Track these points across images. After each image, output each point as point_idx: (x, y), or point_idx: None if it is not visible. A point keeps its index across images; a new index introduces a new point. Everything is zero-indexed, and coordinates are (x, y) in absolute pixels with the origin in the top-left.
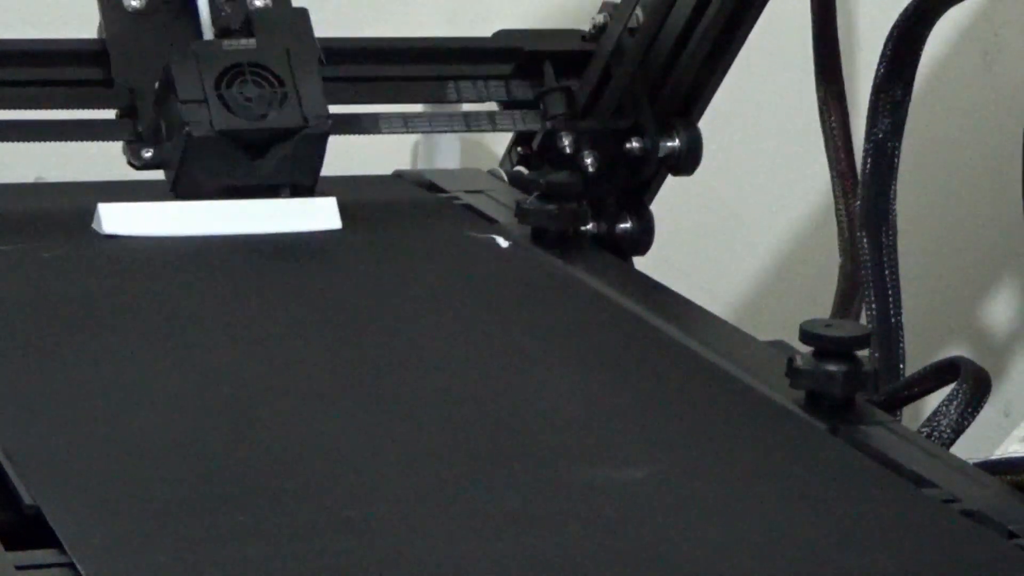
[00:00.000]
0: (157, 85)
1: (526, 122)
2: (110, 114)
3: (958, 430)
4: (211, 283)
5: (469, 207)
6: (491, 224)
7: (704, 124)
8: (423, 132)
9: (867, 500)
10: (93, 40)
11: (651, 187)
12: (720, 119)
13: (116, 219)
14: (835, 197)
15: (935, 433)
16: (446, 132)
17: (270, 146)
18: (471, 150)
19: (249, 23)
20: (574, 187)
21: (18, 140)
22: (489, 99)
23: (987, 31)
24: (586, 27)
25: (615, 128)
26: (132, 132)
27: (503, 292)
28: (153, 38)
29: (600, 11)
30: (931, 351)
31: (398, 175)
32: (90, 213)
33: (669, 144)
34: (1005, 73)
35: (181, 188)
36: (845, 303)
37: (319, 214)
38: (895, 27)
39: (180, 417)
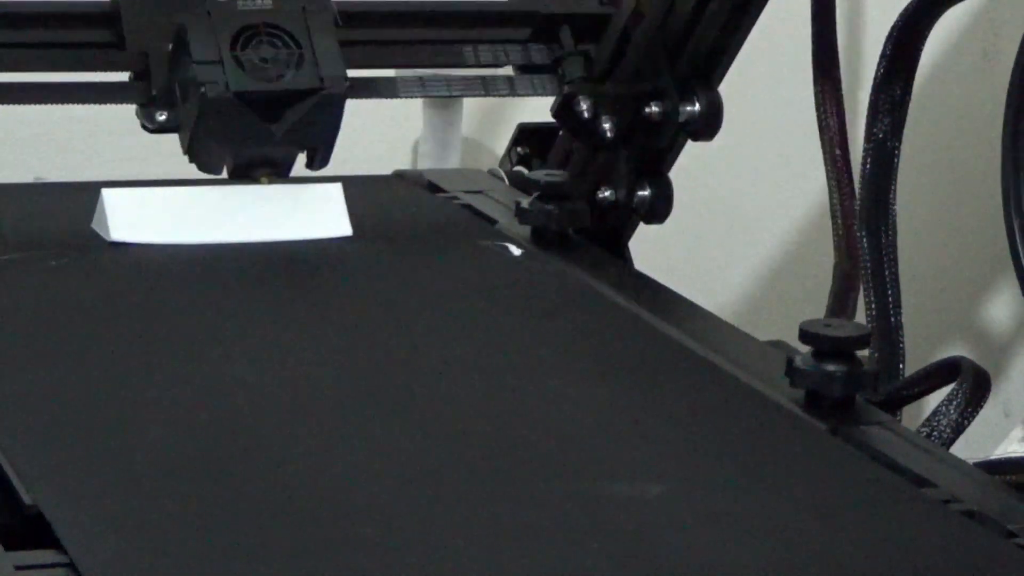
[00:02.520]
0: (170, 47)
1: (544, 87)
2: (123, 77)
3: (958, 430)
4: (220, 293)
5: (469, 207)
6: (495, 227)
7: None
8: (440, 96)
9: (867, 500)
10: (105, 2)
11: (670, 153)
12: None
13: (123, 226)
14: (830, 195)
15: (935, 433)
16: (463, 96)
17: (286, 108)
18: (471, 150)
19: None
20: (573, 187)
21: (31, 102)
22: (506, 64)
23: (987, 31)
24: None
25: (634, 93)
26: (145, 95)
27: (517, 302)
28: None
29: None
30: (931, 351)
31: (398, 175)
32: (91, 214)
33: (689, 109)
34: (1005, 73)
35: (196, 150)
36: (841, 301)
37: (330, 221)
38: (895, 27)
39: (184, 422)
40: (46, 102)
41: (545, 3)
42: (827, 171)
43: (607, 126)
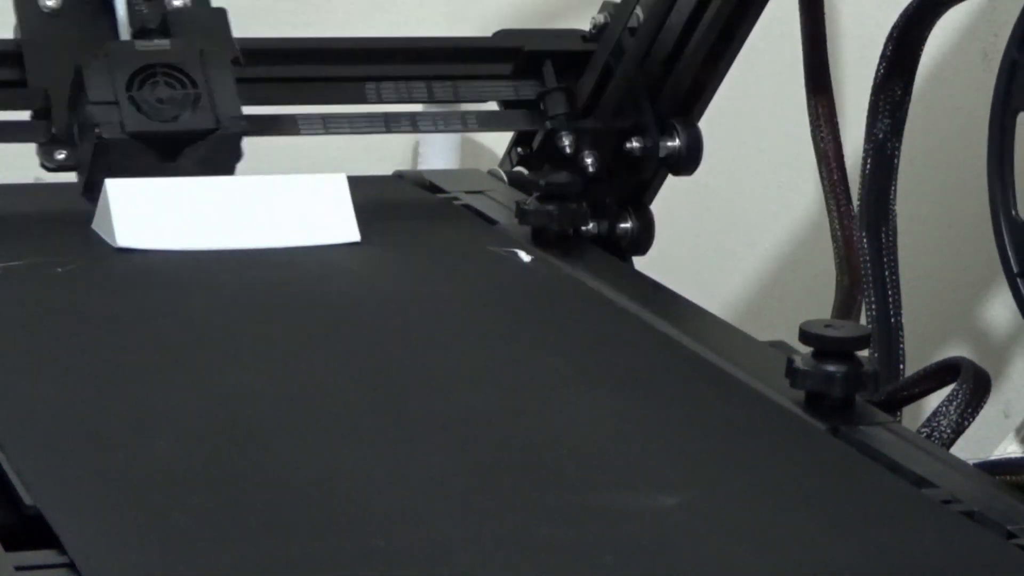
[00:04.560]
0: (70, 86)
1: (527, 122)
2: (25, 115)
3: (958, 430)
4: (226, 300)
5: (469, 207)
6: (496, 227)
7: (704, 124)
8: (343, 134)
9: (867, 500)
10: (8, 40)
11: (651, 187)
12: (720, 119)
13: (129, 230)
14: (829, 217)
15: (935, 433)
16: (365, 133)
17: (183, 147)
18: (471, 150)
19: (165, 23)
20: (574, 187)
21: None
22: (489, 99)
23: (987, 31)
24: (586, 27)
25: (615, 128)
26: (46, 134)
27: (527, 309)
28: (69, 38)
29: (600, 11)
30: (931, 351)
31: (399, 175)
32: (92, 216)
33: (670, 144)
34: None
35: (91, 191)
36: (842, 315)
37: (338, 226)
38: (895, 27)
39: (188, 427)
40: None
41: (528, 39)
42: (825, 194)
43: (589, 160)
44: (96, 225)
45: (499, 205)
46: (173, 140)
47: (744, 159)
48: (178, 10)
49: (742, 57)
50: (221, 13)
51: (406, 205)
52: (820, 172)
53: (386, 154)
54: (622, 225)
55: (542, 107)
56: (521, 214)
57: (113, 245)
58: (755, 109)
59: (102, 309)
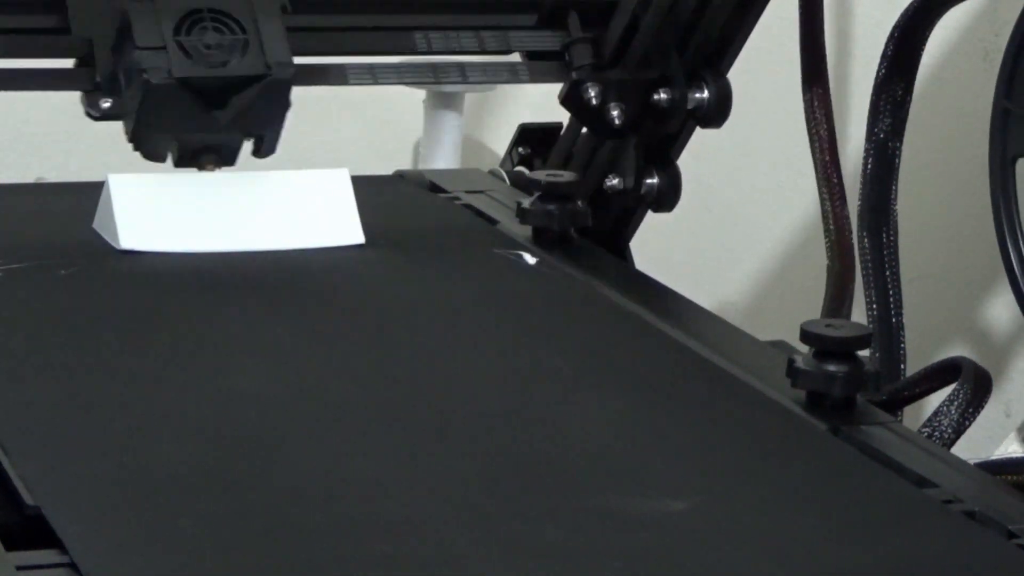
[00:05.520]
0: (115, 33)
1: (551, 74)
2: (68, 63)
3: (959, 430)
4: (230, 302)
5: (470, 207)
6: (496, 227)
7: None
8: (390, 83)
9: (868, 500)
10: None
11: (678, 141)
12: None
13: (131, 231)
14: (821, 201)
15: (936, 433)
16: (411, 84)
17: (231, 95)
18: (472, 150)
19: None
20: (574, 187)
21: None
22: (513, 50)
23: (988, 31)
24: None
25: (642, 80)
26: (90, 81)
27: (533, 312)
28: None
29: None
30: (931, 351)
31: (399, 175)
32: (92, 216)
33: (698, 95)
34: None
35: (139, 138)
36: (836, 302)
37: (343, 228)
38: (896, 27)
39: (190, 428)
40: None
41: None
42: (817, 178)
43: (615, 113)
44: (97, 225)
45: (500, 205)
46: (221, 86)
47: (745, 159)
48: None
49: (743, 57)
50: None
51: (409, 206)
52: (812, 154)
53: (387, 154)
54: (648, 180)
55: (567, 58)
56: (522, 214)
57: (115, 247)
58: (756, 109)
59: (105, 312)
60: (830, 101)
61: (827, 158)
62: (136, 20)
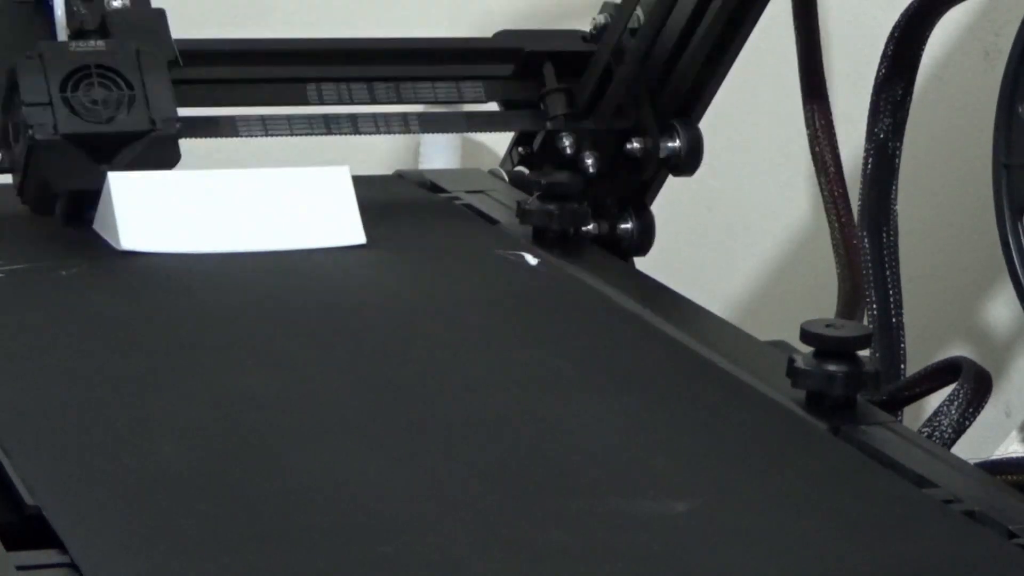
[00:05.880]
0: (3, 88)
1: (528, 123)
2: None
3: (959, 430)
4: (232, 303)
5: (470, 207)
6: (496, 227)
7: (705, 124)
8: (282, 135)
9: (868, 500)
10: None
11: (652, 188)
12: (721, 119)
13: (133, 234)
14: (831, 229)
15: (936, 433)
16: (304, 135)
17: (118, 149)
18: (472, 150)
19: (105, 24)
20: (575, 187)
21: None
22: (491, 100)
23: (988, 31)
24: (587, 28)
25: (616, 128)
26: None
27: (534, 313)
28: (4, 40)
29: (601, 11)
30: (931, 351)
31: (399, 175)
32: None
33: (670, 144)
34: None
35: (28, 193)
36: (850, 307)
37: (343, 228)
38: (896, 27)
39: (191, 430)
40: None
41: (529, 40)
42: (825, 204)
43: (589, 161)
44: (97, 225)
45: (500, 205)
46: (107, 141)
47: (745, 159)
48: (117, 11)
49: (743, 57)
50: (160, 14)
51: (409, 206)
52: (819, 182)
53: (387, 154)
54: (623, 226)
55: (543, 107)
56: (522, 214)
57: (116, 247)
58: (756, 109)
59: (106, 313)
60: (832, 123)
61: (834, 187)
62: (23, 76)
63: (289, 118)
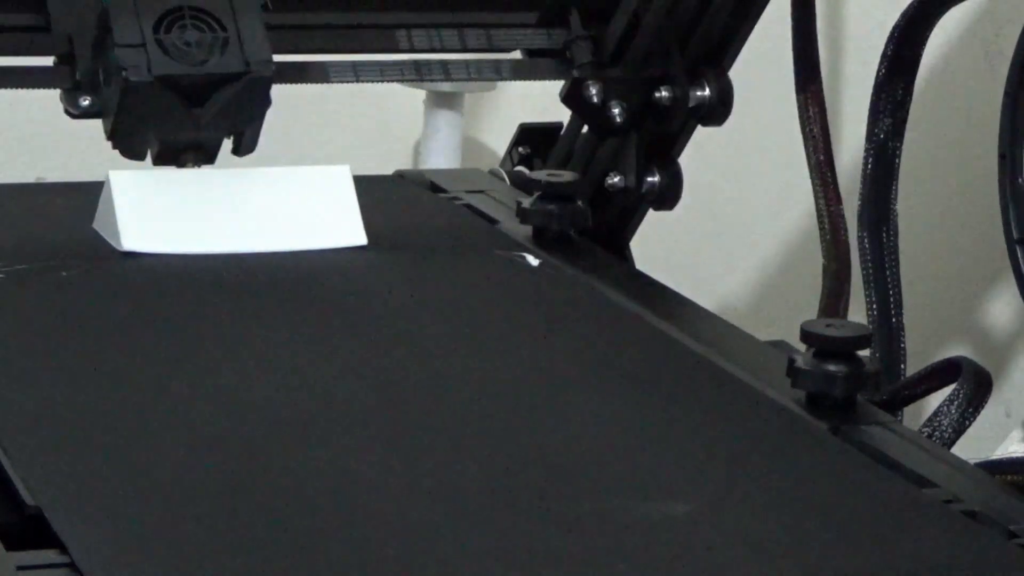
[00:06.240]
0: (95, 30)
1: (552, 71)
2: (48, 61)
3: (959, 430)
4: (233, 304)
5: (470, 207)
6: (496, 227)
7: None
8: (373, 81)
9: (868, 500)
10: None
11: (679, 139)
12: None
13: (134, 235)
14: (816, 200)
15: (936, 433)
16: (395, 82)
17: (211, 92)
18: (472, 150)
19: None
20: (575, 187)
21: None
22: (514, 48)
23: (988, 30)
24: None
25: (643, 77)
26: (70, 79)
27: (536, 314)
28: None
29: None
30: (931, 351)
31: (399, 175)
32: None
33: (699, 93)
34: (1007, 73)
35: (119, 136)
36: (832, 302)
37: (345, 229)
38: (896, 27)
39: (192, 430)
40: None
41: None
42: (812, 178)
43: (616, 111)
44: (98, 224)
45: (500, 205)
46: (201, 84)
47: (745, 159)
48: None
49: (743, 57)
50: None
51: (410, 206)
52: (807, 154)
53: (387, 154)
54: (649, 179)
55: (568, 56)
56: (522, 214)
57: (117, 248)
58: (756, 109)
59: (107, 313)
60: (823, 100)
61: (821, 158)
62: (116, 18)
63: (380, 64)
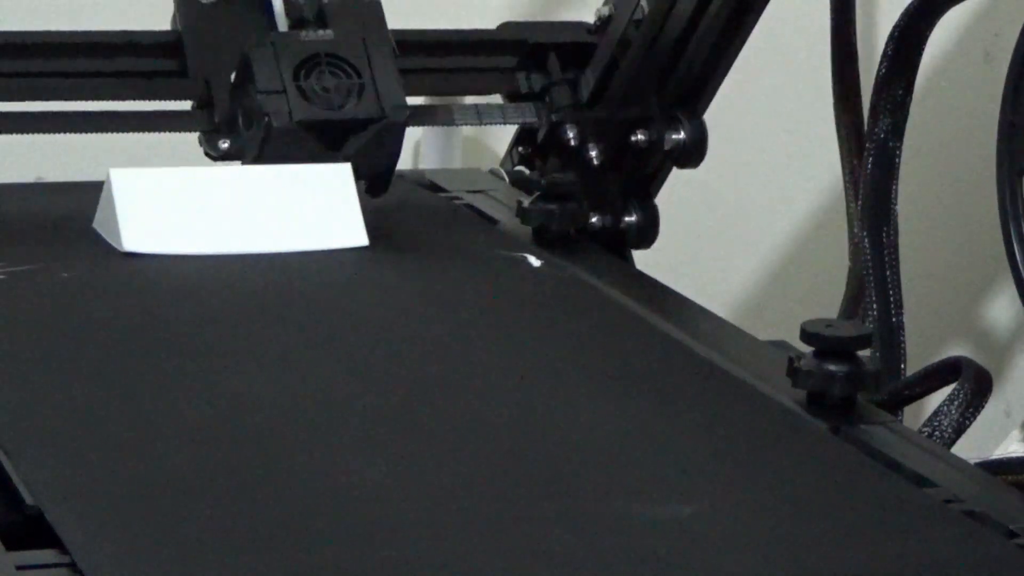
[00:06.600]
0: (234, 75)
1: (531, 114)
2: (185, 105)
3: (959, 430)
4: (234, 305)
5: (470, 207)
6: (496, 227)
7: (707, 122)
8: (495, 124)
9: (868, 500)
10: (168, 32)
11: (656, 180)
12: (722, 117)
13: (136, 236)
14: (847, 202)
15: (936, 433)
16: (512, 123)
17: (348, 136)
18: (472, 150)
19: (322, 15)
20: (575, 187)
21: (96, 131)
22: (495, 91)
23: (988, 30)
24: (591, 20)
25: (620, 120)
26: (209, 123)
27: (537, 314)
28: (227, 30)
29: (605, 3)
30: (932, 351)
31: (399, 175)
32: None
33: (675, 136)
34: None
35: None
36: (853, 305)
37: (346, 230)
38: (896, 27)
39: (192, 430)
40: (111, 130)
41: (533, 32)
42: (845, 184)
43: (594, 153)
44: (98, 224)
45: (500, 204)
46: (339, 128)
47: (747, 158)
48: (334, 2)
49: (745, 56)
50: (376, 5)
51: (410, 206)
52: (841, 157)
53: None
54: (627, 218)
55: (547, 99)
56: (522, 213)
57: (118, 248)
58: (758, 108)
59: (107, 314)
60: (862, 110)
61: (854, 160)
62: (257, 64)
63: (502, 107)
